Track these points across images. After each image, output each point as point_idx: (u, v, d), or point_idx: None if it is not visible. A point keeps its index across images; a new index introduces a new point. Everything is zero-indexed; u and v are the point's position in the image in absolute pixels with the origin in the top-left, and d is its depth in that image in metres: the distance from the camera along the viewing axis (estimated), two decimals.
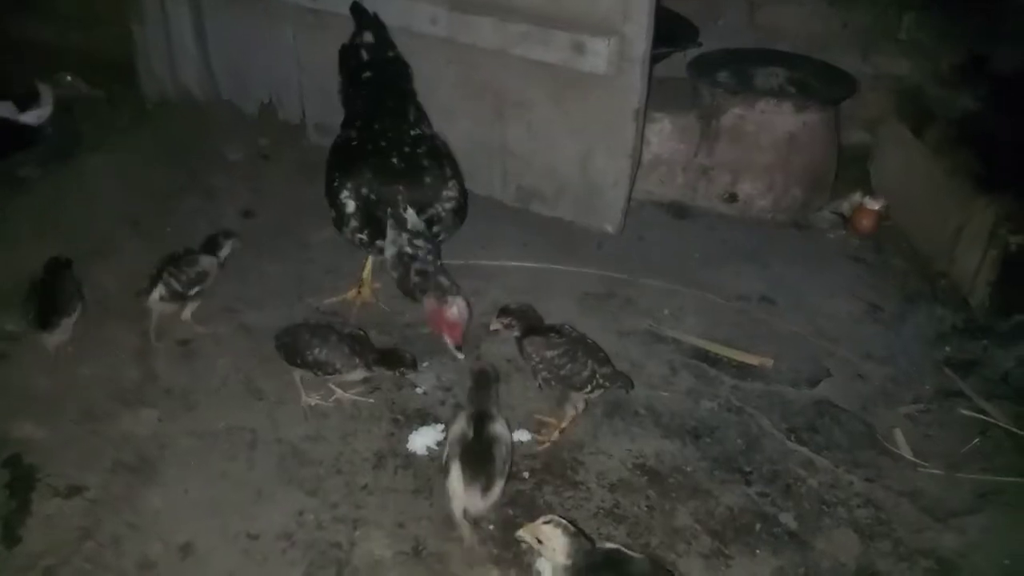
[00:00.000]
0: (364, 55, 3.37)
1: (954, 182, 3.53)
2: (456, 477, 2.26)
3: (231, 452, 2.61)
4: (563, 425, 2.68)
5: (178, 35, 4.41)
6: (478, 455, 2.29)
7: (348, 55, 3.43)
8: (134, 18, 4.48)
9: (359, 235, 3.02)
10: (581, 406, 2.67)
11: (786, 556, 2.37)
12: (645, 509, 2.48)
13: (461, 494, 2.26)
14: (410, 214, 2.90)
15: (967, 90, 3.88)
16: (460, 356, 2.81)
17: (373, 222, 2.96)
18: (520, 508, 2.46)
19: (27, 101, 4.09)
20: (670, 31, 3.80)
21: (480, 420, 2.37)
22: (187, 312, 3.10)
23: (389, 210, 2.91)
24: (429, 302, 2.76)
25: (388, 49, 3.43)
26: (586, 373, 2.57)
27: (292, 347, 2.74)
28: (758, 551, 2.38)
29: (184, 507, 2.43)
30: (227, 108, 4.54)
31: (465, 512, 2.29)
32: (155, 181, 3.98)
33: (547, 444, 2.66)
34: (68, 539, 2.32)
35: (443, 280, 2.78)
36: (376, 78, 3.35)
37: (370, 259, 3.31)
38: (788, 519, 2.48)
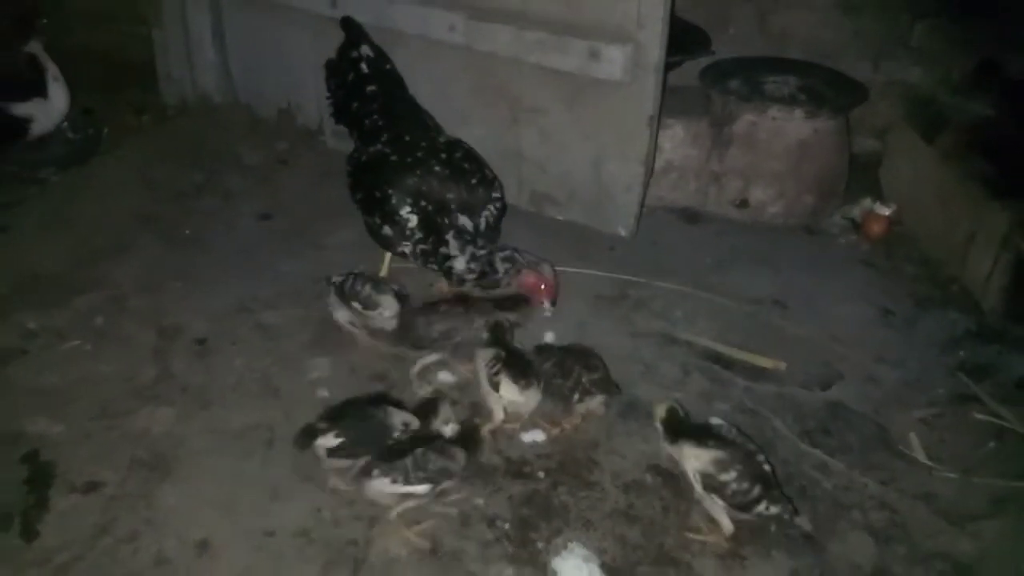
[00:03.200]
0: (364, 68, 3.39)
1: (966, 188, 3.53)
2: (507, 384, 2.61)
3: (247, 450, 2.62)
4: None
5: (197, 38, 4.46)
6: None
7: (346, 69, 3.42)
8: (153, 21, 4.54)
9: (423, 245, 3.07)
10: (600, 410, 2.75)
11: (801, 558, 2.37)
12: (660, 510, 2.48)
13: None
14: (464, 219, 3.02)
15: (979, 96, 3.89)
16: (550, 312, 3.05)
17: (434, 231, 3.03)
18: (535, 508, 2.46)
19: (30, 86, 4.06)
20: (683, 39, 3.82)
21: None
22: None
23: (447, 220, 3.02)
24: (526, 276, 3.01)
25: (386, 62, 3.45)
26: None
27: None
28: (773, 553, 2.38)
29: (200, 504, 2.44)
30: (245, 112, 4.59)
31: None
32: (173, 182, 4.02)
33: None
34: (85, 535, 2.33)
35: (528, 256, 3.03)
36: (383, 91, 3.37)
37: (387, 262, 3.33)
38: (803, 521, 2.45)
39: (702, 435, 2.40)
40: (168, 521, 2.38)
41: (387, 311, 2.97)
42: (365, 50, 3.39)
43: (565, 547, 2.33)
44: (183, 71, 4.58)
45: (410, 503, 2.36)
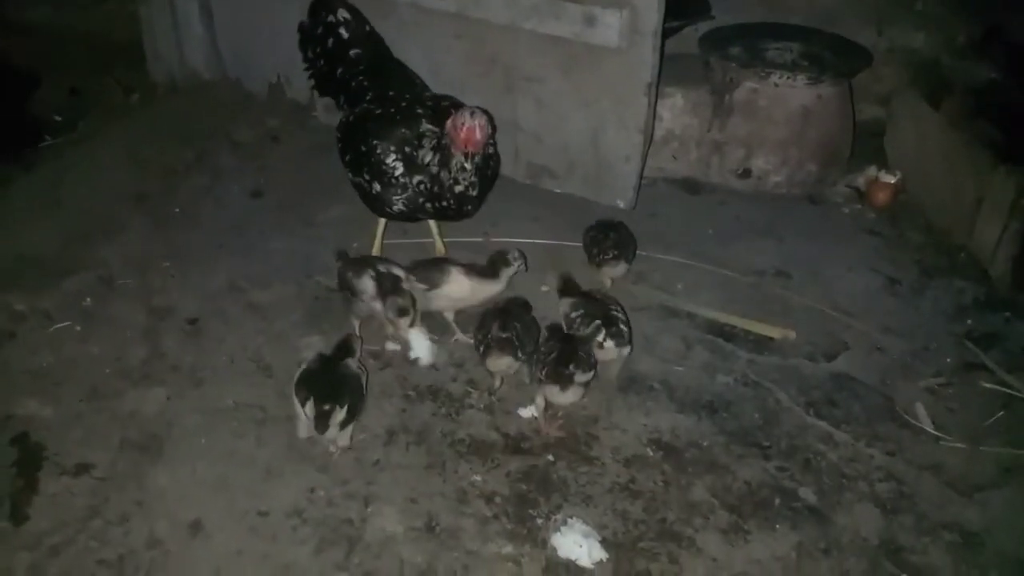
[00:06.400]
0: (344, 33, 3.29)
1: (972, 153, 3.45)
2: None
3: (240, 429, 2.58)
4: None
5: (184, 14, 4.37)
6: None
7: (323, 34, 3.31)
8: None
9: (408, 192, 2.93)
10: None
11: (806, 531, 2.33)
12: (661, 484, 2.44)
13: None
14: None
15: (984, 60, 3.80)
16: (469, 166, 2.80)
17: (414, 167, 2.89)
18: (534, 483, 2.42)
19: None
20: (682, 4, 3.72)
21: None
22: None
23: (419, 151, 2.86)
24: (454, 116, 2.75)
25: (365, 24, 3.34)
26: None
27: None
28: (777, 526, 2.34)
29: (192, 485, 2.40)
30: (235, 88, 4.50)
31: None
32: (162, 161, 3.95)
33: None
34: (75, 517, 2.29)
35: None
36: (367, 54, 3.28)
37: (379, 236, 3.26)
38: (808, 494, 2.43)
39: (578, 294, 2.86)
40: (160, 502, 2.35)
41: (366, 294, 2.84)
42: (342, 14, 3.28)
43: (565, 523, 2.29)
44: (170, 48, 4.49)
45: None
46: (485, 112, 2.76)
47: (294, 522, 2.30)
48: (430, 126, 2.87)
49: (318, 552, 2.22)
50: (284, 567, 2.18)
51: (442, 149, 2.81)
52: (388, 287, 2.80)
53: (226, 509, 2.33)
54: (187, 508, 2.32)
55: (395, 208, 3.00)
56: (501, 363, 2.61)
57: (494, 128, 2.85)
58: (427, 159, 2.84)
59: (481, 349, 2.65)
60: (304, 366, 2.53)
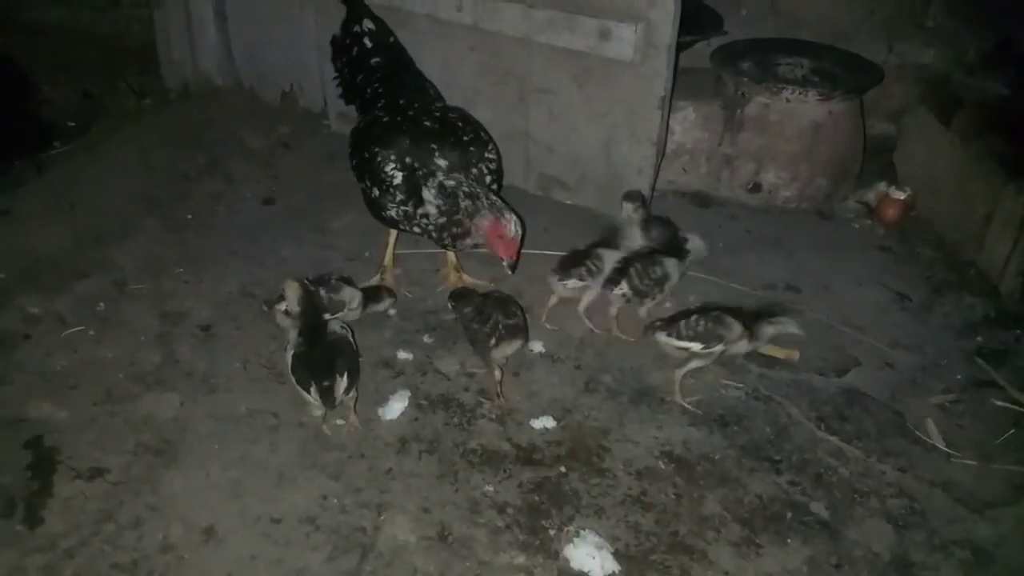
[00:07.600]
0: (367, 43, 3.34)
1: (982, 169, 3.47)
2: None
3: (253, 436, 2.59)
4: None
5: (199, 20, 4.41)
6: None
7: (349, 44, 3.38)
8: (154, 3, 4.47)
9: (404, 208, 2.93)
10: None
11: (818, 545, 2.33)
12: (673, 497, 2.44)
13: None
14: (446, 179, 2.85)
15: (995, 76, 3.82)
16: (511, 272, 2.86)
17: (417, 190, 2.88)
18: (546, 494, 2.43)
19: None
20: (695, 19, 3.75)
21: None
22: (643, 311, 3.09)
23: (426, 171, 2.86)
24: (484, 219, 2.75)
25: (389, 35, 3.40)
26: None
27: None
28: (789, 540, 2.34)
29: (206, 490, 2.41)
30: (248, 95, 4.55)
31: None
32: (174, 166, 3.98)
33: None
34: (89, 521, 2.30)
35: (495, 199, 2.79)
36: (387, 63, 3.33)
37: (391, 244, 3.28)
38: (819, 508, 2.44)
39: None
40: (173, 507, 2.35)
41: (353, 302, 2.92)
42: (367, 24, 3.34)
43: (577, 534, 2.30)
44: (184, 54, 4.53)
45: (694, 363, 2.77)
46: (515, 213, 2.78)
47: (307, 529, 2.30)
48: (443, 171, 2.86)
49: (331, 559, 2.23)
50: (297, 573, 2.19)
51: (452, 198, 2.80)
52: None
53: (239, 515, 2.33)
54: (200, 513, 2.33)
55: (387, 214, 3.01)
56: (512, 348, 2.70)
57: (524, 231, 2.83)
58: (429, 197, 2.85)
59: (493, 342, 2.65)
60: (291, 351, 2.56)
